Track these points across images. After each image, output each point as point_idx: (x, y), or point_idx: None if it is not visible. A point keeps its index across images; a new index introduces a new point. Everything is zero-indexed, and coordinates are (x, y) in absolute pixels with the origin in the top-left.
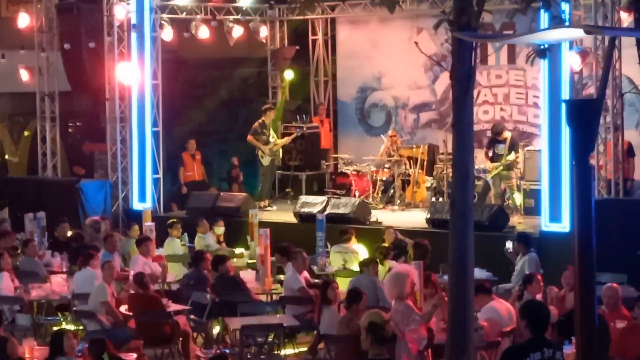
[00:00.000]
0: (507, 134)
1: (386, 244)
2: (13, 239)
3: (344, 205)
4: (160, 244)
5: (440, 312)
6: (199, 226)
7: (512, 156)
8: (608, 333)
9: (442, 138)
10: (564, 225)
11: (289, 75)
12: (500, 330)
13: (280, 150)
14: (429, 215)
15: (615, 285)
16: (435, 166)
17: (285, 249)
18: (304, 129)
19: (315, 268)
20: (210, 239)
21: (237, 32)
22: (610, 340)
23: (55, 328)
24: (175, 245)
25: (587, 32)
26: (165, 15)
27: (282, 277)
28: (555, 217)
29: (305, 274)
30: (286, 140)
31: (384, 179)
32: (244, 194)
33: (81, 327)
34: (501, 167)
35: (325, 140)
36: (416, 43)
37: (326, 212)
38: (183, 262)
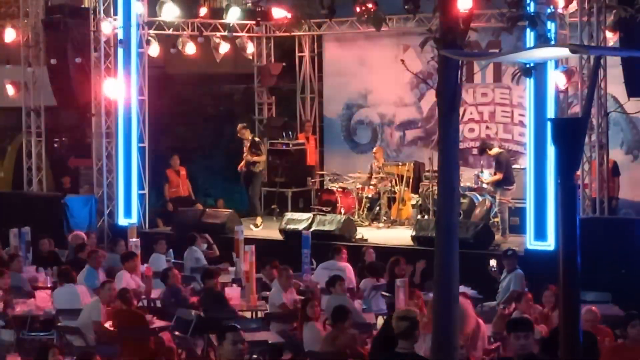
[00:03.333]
0: (495, 151)
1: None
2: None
3: (329, 222)
4: (145, 260)
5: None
6: (197, 241)
7: (489, 177)
8: (597, 350)
9: (428, 155)
10: (549, 243)
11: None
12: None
13: (259, 166)
14: (414, 233)
15: (593, 308)
16: (421, 183)
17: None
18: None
19: (300, 285)
20: (200, 252)
21: (224, 48)
22: (599, 356)
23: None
24: (161, 261)
25: (572, 51)
26: (151, 31)
27: (267, 293)
28: (540, 235)
29: (293, 292)
30: (249, 158)
31: (370, 196)
32: (230, 210)
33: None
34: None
35: (311, 157)
36: (402, 61)
37: (312, 229)
38: None
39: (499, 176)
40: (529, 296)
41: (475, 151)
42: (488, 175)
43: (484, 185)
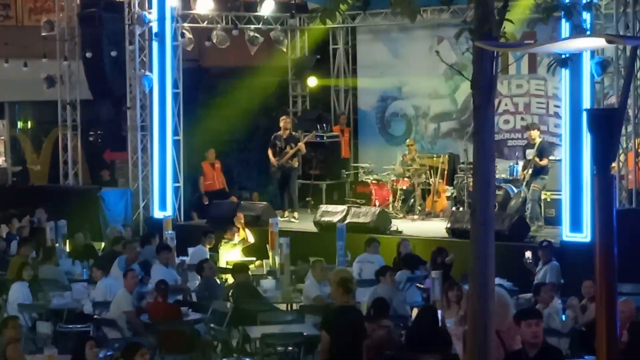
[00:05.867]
0: (538, 138)
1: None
2: (33, 246)
3: (364, 215)
4: (180, 252)
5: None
6: (227, 233)
7: (543, 161)
8: None
9: (463, 147)
10: (585, 235)
11: (312, 82)
12: None
13: (295, 161)
14: (449, 225)
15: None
16: (456, 175)
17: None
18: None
19: None
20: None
21: (258, 41)
22: None
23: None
24: (204, 255)
25: (608, 42)
26: (186, 24)
27: (301, 285)
28: (576, 227)
29: (327, 284)
30: (292, 151)
31: (404, 188)
32: (265, 202)
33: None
34: (530, 171)
35: (346, 150)
36: (437, 52)
37: (346, 221)
38: None
39: (546, 161)
40: (548, 287)
41: (510, 142)
42: (530, 156)
43: (520, 177)
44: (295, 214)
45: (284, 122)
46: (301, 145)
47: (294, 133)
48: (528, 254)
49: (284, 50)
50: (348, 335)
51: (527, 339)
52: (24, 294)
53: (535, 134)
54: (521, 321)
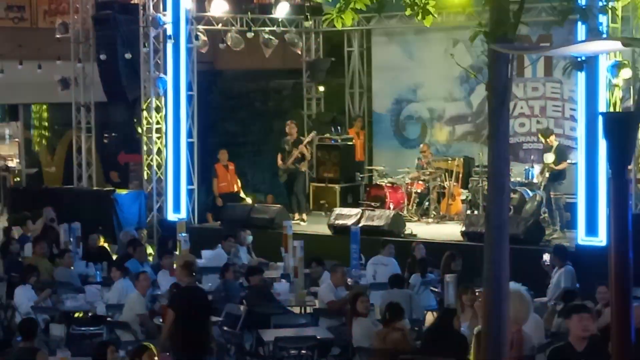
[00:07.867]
0: (554, 142)
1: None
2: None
3: (378, 218)
4: (195, 255)
5: None
6: (236, 237)
7: (561, 165)
8: None
9: (478, 150)
10: (601, 239)
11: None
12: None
13: (303, 165)
14: (464, 228)
15: None
16: (471, 179)
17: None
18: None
19: (349, 280)
20: (242, 251)
21: (273, 43)
22: None
23: (93, 339)
24: (222, 258)
25: (625, 45)
26: (200, 27)
27: (315, 289)
28: (591, 231)
29: (343, 288)
30: (295, 154)
31: (419, 191)
32: (279, 205)
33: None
34: (547, 175)
35: (360, 152)
36: (452, 55)
37: (360, 224)
38: None
39: (564, 165)
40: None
41: (525, 146)
42: (548, 159)
43: (535, 181)
44: (304, 216)
45: (289, 127)
46: (302, 147)
47: (302, 137)
48: (546, 256)
49: (299, 52)
50: (193, 312)
51: (578, 333)
52: (28, 297)
53: (551, 139)
54: (573, 315)
